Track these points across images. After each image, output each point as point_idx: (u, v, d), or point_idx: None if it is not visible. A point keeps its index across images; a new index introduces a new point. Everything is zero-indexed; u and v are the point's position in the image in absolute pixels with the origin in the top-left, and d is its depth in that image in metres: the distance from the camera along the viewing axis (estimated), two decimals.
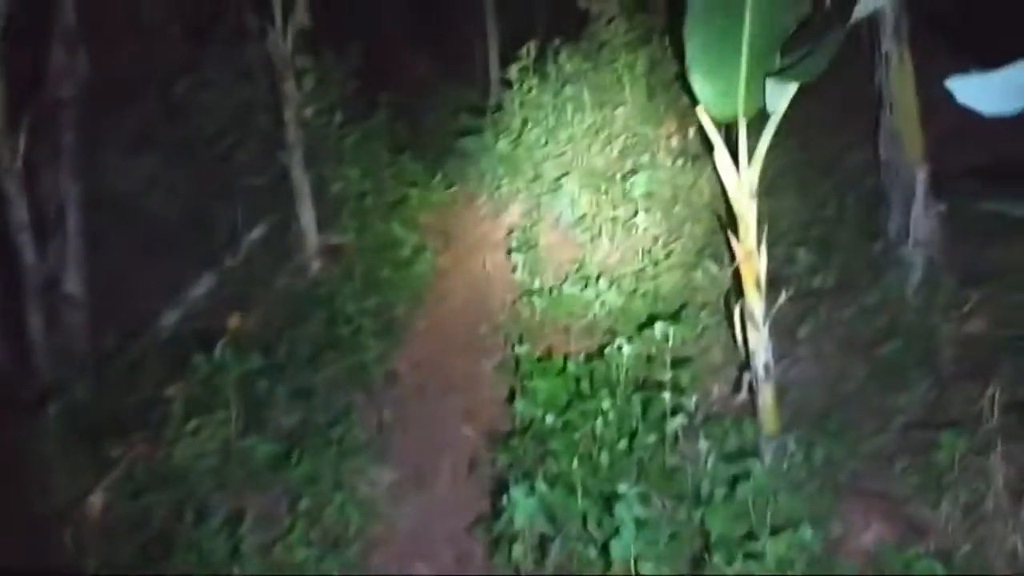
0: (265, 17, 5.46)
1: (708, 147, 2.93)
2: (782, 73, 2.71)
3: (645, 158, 5.65)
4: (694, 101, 3.00)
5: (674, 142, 5.79)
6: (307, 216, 5.68)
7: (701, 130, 5.75)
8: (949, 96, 1.85)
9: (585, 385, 3.68)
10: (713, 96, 2.96)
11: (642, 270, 4.81)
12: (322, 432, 4.01)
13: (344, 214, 5.91)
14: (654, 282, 4.61)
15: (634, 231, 5.22)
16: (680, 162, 5.54)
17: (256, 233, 5.98)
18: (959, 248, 3.63)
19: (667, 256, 4.78)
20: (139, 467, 3.96)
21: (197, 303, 5.70)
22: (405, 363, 4.89)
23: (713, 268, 4.48)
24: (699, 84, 2.98)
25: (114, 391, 4.68)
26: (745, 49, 2.88)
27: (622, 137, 5.99)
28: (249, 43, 5.91)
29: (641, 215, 5.12)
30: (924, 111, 3.51)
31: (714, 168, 5.41)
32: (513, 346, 4.50)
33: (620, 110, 6.12)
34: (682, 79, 5.96)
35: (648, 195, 5.25)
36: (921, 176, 3.56)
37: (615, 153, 5.91)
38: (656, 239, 5.05)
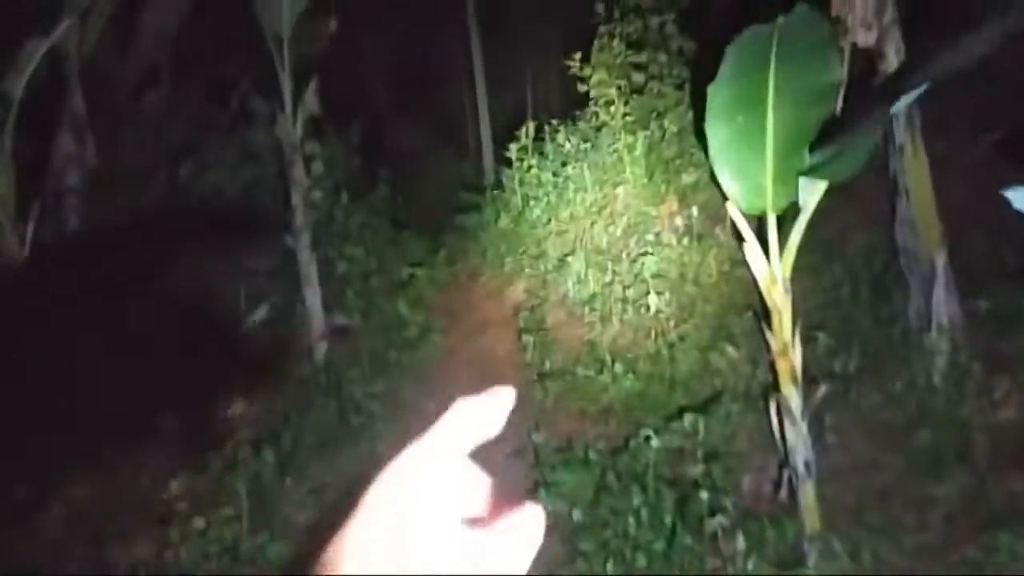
0: (274, 102, 5.51)
1: (738, 237, 2.92)
2: (816, 171, 2.74)
3: (650, 237, 5.68)
4: (723, 195, 3.02)
5: (678, 221, 5.84)
6: (313, 297, 5.61)
7: (704, 209, 5.93)
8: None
9: (612, 478, 3.57)
10: (742, 192, 2.98)
11: (657, 353, 4.76)
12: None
13: (350, 295, 5.85)
14: (670, 366, 4.56)
15: (644, 311, 5.20)
16: (686, 241, 5.58)
17: (260, 315, 5.90)
18: (983, 334, 3.63)
19: (681, 338, 4.74)
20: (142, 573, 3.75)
21: (200, 388, 5.54)
22: None
23: (730, 350, 4.44)
24: (727, 180, 3.01)
25: (116, 487, 4.49)
26: (770, 146, 2.92)
27: (625, 216, 6.04)
28: (255, 128, 5.95)
29: (652, 296, 5.11)
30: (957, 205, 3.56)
31: (720, 246, 5.56)
32: (529, 433, 4.39)
33: (621, 189, 6.19)
34: (682, 159, 6.20)
35: (657, 275, 5.26)
36: (940, 263, 3.59)
37: (619, 232, 5.95)
38: (668, 320, 5.02)
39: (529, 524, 0.44)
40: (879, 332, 4.00)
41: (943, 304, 3.61)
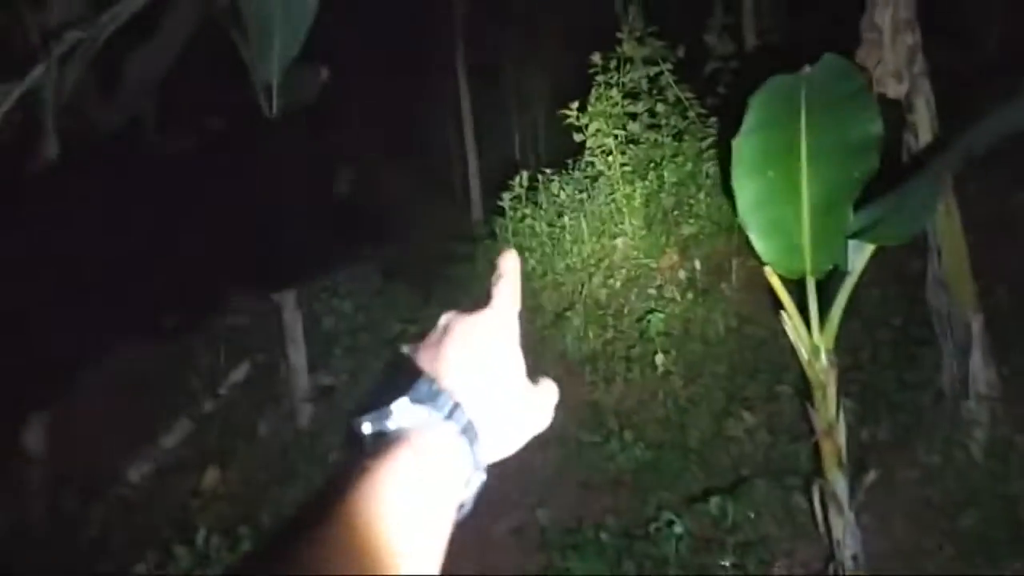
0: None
1: (776, 305, 2.66)
2: (866, 233, 2.51)
3: (652, 291, 5.44)
4: (758, 259, 2.77)
5: (680, 274, 5.61)
6: (297, 356, 5.24)
7: (706, 262, 5.71)
8: None
9: (629, 566, 3.22)
10: (779, 253, 2.73)
11: (667, 418, 4.46)
12: None
13: (337, 353, 5.51)
14: (683, 432, 4.25)
15: (650, 371, 4.91)
16: (690, 296, 5.34)
17: (239, 375, 5.52)
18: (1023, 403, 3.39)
19: (692, 402, 4.45)
20: None
21: (170, 455, 5.14)
22: None
23: (747, 416, 4.16)
24: (760, 241, 2.76)
25: (73, 570, 4.04)
26: (806, 203, 2.69)
27: (624, 268, 5.81)
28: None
29: (659, 355, 4.83)
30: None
31: (726, 301, 5.33)
32: (535, 509, 4.03)
33: (619, 240, 5.98)
34: (681, 210, 6.01)
35: (662, 332, 4.99)
36: (977, 326, 3.36)
37: (619, 285, 5.71)
38: (676, 380, 4.74)
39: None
40: (910, 399, 3.74)
41: (981, 370, 3.37)
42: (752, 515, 3.34)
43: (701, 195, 5.98)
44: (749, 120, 2.98)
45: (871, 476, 2.81)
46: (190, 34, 5.17)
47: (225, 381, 5.40)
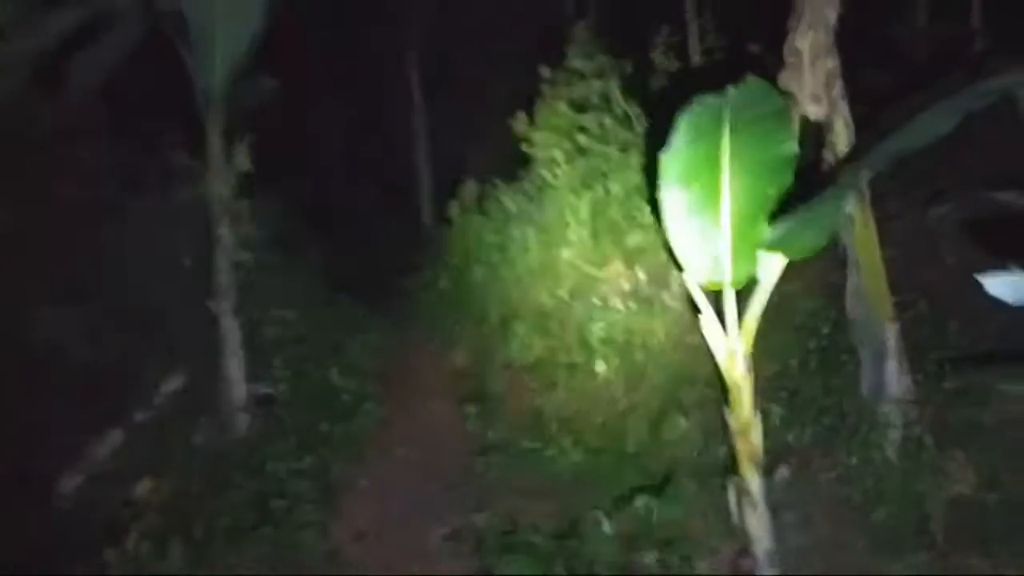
0: (199, 158, 5.20)
1: (691, 305, 2.75)
2: (777, 245, 2.63)
3: (596, 300, 5.53)
4: (676, 264, 2.87)
5: (624, 284, 5.71)
6: (233, 365, 5.16)
7: (650, 272, 5.83)
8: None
9: (559, 567, 3.28)
10: (700, 264, 2.84)
11: (605, 424, 4.55)
12: None
13: (277, 362, 5.46)
14: (620, 439, 4.34)
15: (591, 378, 5.00)
16: (633, 305, 5.44)
17: (173, 384, 5.42)
18: (933, 408, 3.56)
19: (631, 408, 4.55)
20: None
21: (101, 465, 5.01)
22: (346, 534, 4.35)
23: (682, 422, 4.27)
24: (682, 252, 2.87)
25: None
26: (728, 218, 2.80)
27: (570, 278, 5.89)
28: (179, 184, 5.61)
29: (599, 363, 4.92)
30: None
31: (667, 311, 5.44)
32: (471, 514, 4.07)
33: (565, 251, 6.05)
34: (627, 222, 6.12)
35: (605, 341, 5.08)
36: (891, 335, 3.52)
37: (564, 294, 5.79)
38: (616, 388, 4.83)
39: None
40: (832, 403, 3.89)
41: (895, 376, 3.54)
42: (675, 513, 3.44)
43: (646, 207, 6.11)
44: (676, 136, 3.09)
45: (782, 473, 2.93)
46: (135, 41, 5.10)
47: (159, 390, 5.30)
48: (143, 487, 4.56)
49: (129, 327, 5.34)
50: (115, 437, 5.08)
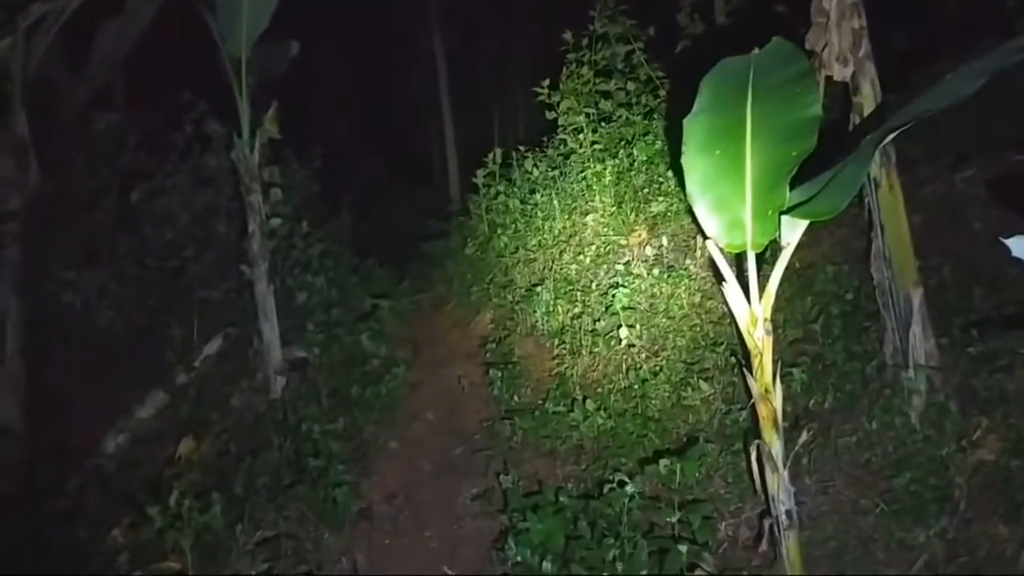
0: (230, 126, 5.29)
1: (713, 271, 2.79)
2: (798, 209, 2.64)
3: (620, 267, 5.56)
4: (699, 229, 2.90)
5: (648, 251, 5.72)
6: (270, 330, 5.34)
7: (673, 239, 5.83)
8: None
9: (584, 526, 3.39)
10: (721, 228, 2.87)
11: (629, 388, 4.62)
12: None
13: (309, 327, 5.61)
14: (643, 402, 4.41)
15: (615, 344, 5.06)
16: (656, 272, 5.46)
17: (212, 347, 5.61)
18: (959, 373, 3.57)
19: (654, 373, 4.61)
20: None
21: (144, 426, 5.24)
22: (377, 493, 4.51)
23: (704, 386, 4.32)
24: (704, 215, 2.89)
25: (49, 536, 4.15)
26: (749, 181, 2.82)
27: (594, 245, 5.92)
28: (210, 152, 5.72)
29: (623, 329, 4.97)
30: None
31: (690, 278, 5.46)
32: (499, 475, 4.19)
33: (590, 217, 6.07)
34: (650, 188, 6.10)
35: (628, 307, 5.13)
36: (917, 300, 3.52)
37: (588, 261, 5.82)
38: (640, 353, 4.89)
39: None
40: (855, 368, 3.91)
41: (920, 342, 3.54)
42: (698, 475, 3.52)
43: (670, 173, 6.08)
44: (699, 101, 3.10)
45: (804, 437, 2.98)
46: (158, 8, 5.18)
47: (199, 354, 5.49)
48: (184, 446, 4.77)
49: (169, 293, 5.52)
50: (157, 398, 5.29)
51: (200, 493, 3.89)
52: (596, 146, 6.22)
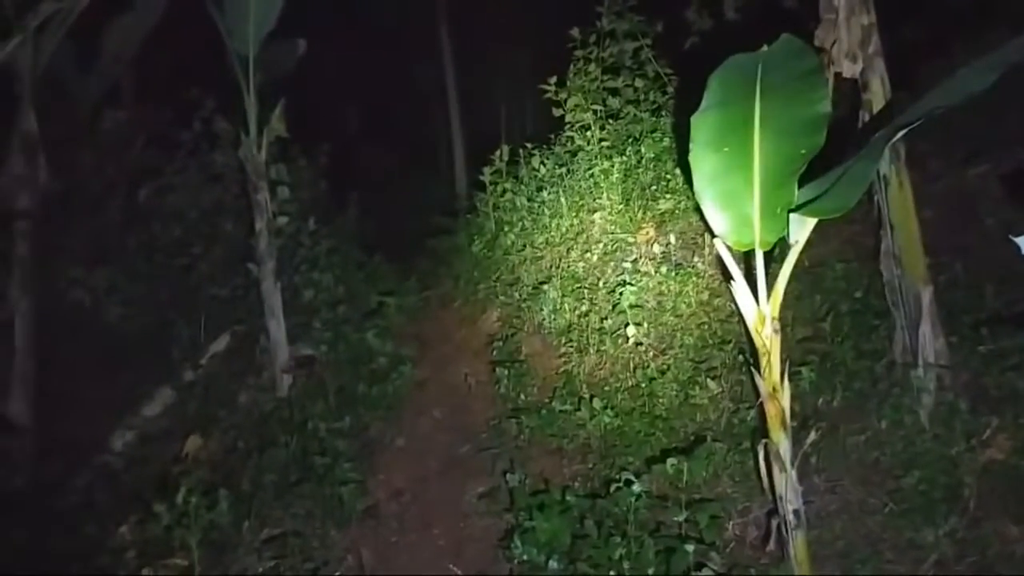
0: (238, 124, 5.30)
1: (721, 269, 2.77)
2: (807, 207, 2.62)
3: (627, 264, 5.54)
4: (707, 228, 2.88)
5: (655, 248, 5.70)
6: (276, 327, 5.34)
7: (681, 236, 5.80)
8: None
9: (590, 525, 3.37)
10: (729, 226, 2.85)
11: (636, 387, 4.60)
12: None
13: (316, 324, 5.61)
14: (650, 401, 4.39)
15: (622, 343, 5.04)
16: (664, 270, 5.44)
17: (220, 345, 5.63)
18: (968, 372, 3.53)
19: (661, 372, 4.59)
20: None
21: (152, 423, 5.26)
22: (383, 491, 4.52)
23: (712, 385, 4.30)
24: (712, 213, 2.87)
25: (57, 533, 4.18)
26: (757, 179, 2.80)
27: (601, 243, 5.89)
28: (218, 150, 5.73)
29: (631, 327, 4.95)
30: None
31: (698, 276, 5.43)
32: (505, 474, 4.18)
33: (597, 215, 6.05)
34: (658, 186, 6.08)
35: (636, 305, 5.11)
36: (926, 298, 3.49)
37: (595, 259, 5.80)
38: (647, 352, 4.87)
39: None
40: (864, 367, 3.88)
41: (929, 340, 3.51)
42: (705, 474, 3.50)
43: (678, 170, 6.05)
44: (708, 98, 3.08)
45: (812, 436, 2.96)
46: (166, 6, 5.19)
47: (206, 352, 5.50)
48: (192, 444, 4.79)
49: (177, 290, 5.54)
50: (165, 396, 5.31)
51: (207, 490, 3.91)
52: (603, 143, 6.20)
